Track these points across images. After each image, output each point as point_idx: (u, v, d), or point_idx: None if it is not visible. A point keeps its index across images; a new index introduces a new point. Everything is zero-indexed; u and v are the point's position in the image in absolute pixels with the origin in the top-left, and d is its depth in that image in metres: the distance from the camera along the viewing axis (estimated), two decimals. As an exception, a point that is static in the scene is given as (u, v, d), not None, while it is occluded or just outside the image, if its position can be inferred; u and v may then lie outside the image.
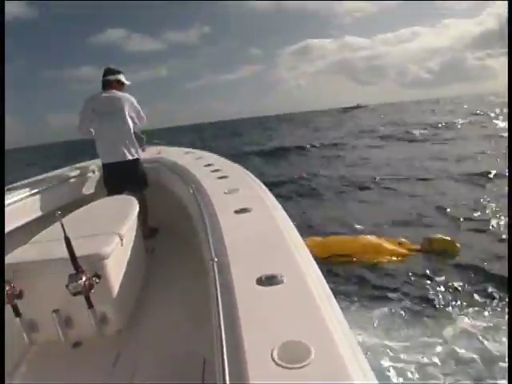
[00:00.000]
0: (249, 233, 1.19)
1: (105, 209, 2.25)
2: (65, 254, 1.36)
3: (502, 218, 5.45)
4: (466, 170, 9.05)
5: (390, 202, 7.33)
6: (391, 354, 2.84)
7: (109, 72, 3.08)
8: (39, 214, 2.49)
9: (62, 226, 1.34)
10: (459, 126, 21.59)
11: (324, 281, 0.93)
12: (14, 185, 2.76)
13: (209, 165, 2.46)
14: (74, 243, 1.36)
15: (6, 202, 2.26)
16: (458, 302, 3.51)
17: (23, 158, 43.41)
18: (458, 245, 4.57)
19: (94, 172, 3.29)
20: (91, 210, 2.20)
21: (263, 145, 20.44)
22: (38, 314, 1.49)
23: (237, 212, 1.38)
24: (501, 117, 23.75)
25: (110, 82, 3.05)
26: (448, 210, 6.19)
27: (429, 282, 3.95)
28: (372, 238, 4.66)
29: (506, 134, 13.04)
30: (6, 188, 2.65)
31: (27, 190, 2.52)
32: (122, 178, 2.99)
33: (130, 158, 3.01)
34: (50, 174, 3.22)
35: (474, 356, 2.76)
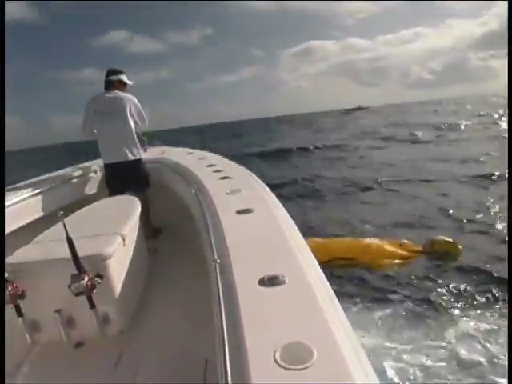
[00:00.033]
0: (251, 233, 1.19)
1: (107, 209, 2.26)
2: (67, 254, 1.36)
3: (505, 219, 5.43)
4: (470, 172, 9.03)
5: (392, 204, 7.32)
6: (393, 355, 2.84)
7: (111, 72, 3.09)
8: (41, 214, 2.49)
9: (65, 226, 1.34)
10: (462, 127, 21.51)
11: (326, 282, 0.93)
12: (17, 185, 2.77)
13: (211, 165, 2.46)
14: (76, 243, 1.36)
15: (9, 202, 2.26)
16: (461, 305, 3.50)
17: (24, 159, 43.56)
18: (459, 246, 4.56)
19: (96, 172, 3.30)
20: (93, 211, 2.21)
21: (264, 146, 20.43)
22: (41, 314, 1.50)
23: (239, 212, 1.38)
24: (504, 118, 23.64)
25: (112, 83, 3.06)
26: (451, 211, 6.18)
27: (431, 284, 3.94)
28: (373, 241, 4.64)
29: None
30: (8, 188, 2.66)
31: (30, 190, 2.53)
32: (124, 178, 2.99)
33: (132, 158, 3.02)
34: (52, 174, 3.23)
35: (476, 358, 2.75)
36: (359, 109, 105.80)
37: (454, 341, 2.97)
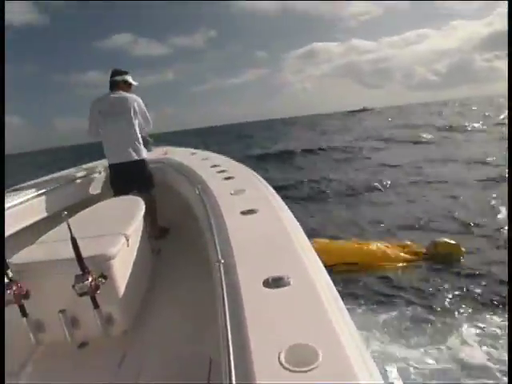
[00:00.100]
0: (255, 234, 1.18)
1: (111, 209, 2.26)
2: (71, 254, 1.36)
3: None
4: (476, 174, 8.98)
5: (397, 206, 7.29)
6: (397, 357, 2.82)
7: (116, 73, 3.08)
8: (46, 214, 2.50)
9: (69, 226, 1.34)
10: (469, 129, 21.37)
11: (331, 283, 0.92)
12: (21, 185, 2.78)
13: (215, 165, 2.46)
14: (80, 244, 1.37)
15: (13, 202, 2.27)
16: (465, 308, 3.49)
17: (29, 161, 43.85)
18: (463, 248, 4.57)
19: (100, 173, 3.30)
20: (97, 211, 2.21)
21: (268, 148, 20.42)
22: (45, 314, 1.50)
23: (243, 213, 1.37)
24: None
25: (117, 83, 3.05)
26: (456, 213, 6.15)
27: (435, 287, 3.93)
28: (376, 244, 4.63)
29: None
30: (12, 189, 2.67)
31: (34, 190, 2.54)
32: (129, 178, 2.99)
33: (136, 158, 3.01)
34: (56, 175, 3.24)
35: (480, 362, 2.72)
36: (364, 110, 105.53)
37: (457, 344, 2.96)
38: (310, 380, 0.58)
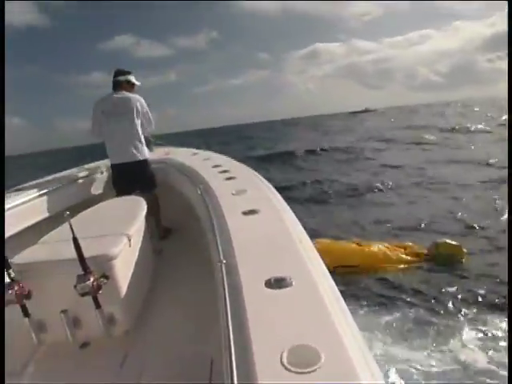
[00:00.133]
0: (257, 234, 1.18)
1: (113, 209, 2.26)
2: (73, 254, 1.36)
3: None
4: (478, 175, 8.94)
5: (400, 207, 7.27)
6: (397, 360, 2.81)
7: (119, 73, 3.08)
8: (48, 214, 2.50)
9: (71, 226, 1.34)
10: (471, 130, 21.28)
11: (334, 284, 0.92)
12: (23, 185, 2.79)
13: (217, 166, 2.46)
14: (82, 244, 1.36)
15: (15, 202, 2.28)
16: (466, 310, 3.47)
17: (31, 162, 43.92)
18: (464, 249, 4.56)
19: (102, 173, 3.31)
20: (99, 211, 2.21)
21: (269, 149, 20.40)
22: (47, 314, 1.50)
23: (245, 213, 1.37)
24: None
25: (120, 83, 3.05)
26: (459, 215, 6.12)
27: (436, 289, 3.92)
28: (378, 246, 4.62)
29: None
30: (15, 189, 2.68)
31: (36, 190, 2.54)
32: (131, 178, 3.00)
33: (139, 158, 3.02)
34: (58, 175, 3.24)
35: (481, 366, 2.71)
36: (366, 111, 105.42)
37: (459, 347, 2.95)
38: (312, 381, 0.57)
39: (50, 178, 3.14)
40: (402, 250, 4.64)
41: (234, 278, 0.91)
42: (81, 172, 3.20)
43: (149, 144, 3.29)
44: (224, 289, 0.88)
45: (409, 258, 4.54)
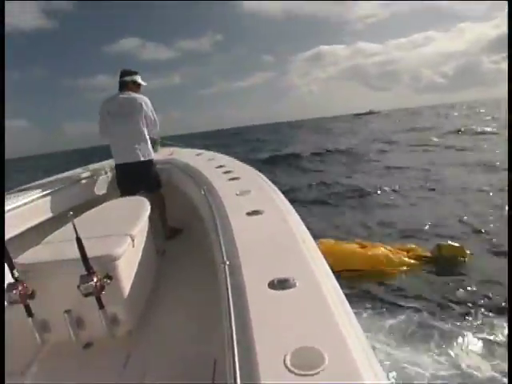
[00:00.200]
0: (261, 235, 1.18)
1: (116, 210, 2.26)
2: (76, 254, 1.36)
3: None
4: (483, 178, 8.87)
5: (404, 209, 7.23)
6: (400, 363, 2.79)
7: (125, 73, 3.08)
8: (52, 214, 2.52)
9: (74, 226, 1.35)
10: (477, 131, 21.13)
11: (337, 285, 0.91)
12: (27, 186, 2.81)
13: (221, 166, 2.46)
14: (85, 244, 1.37)
15: (19, 203, 2.29)
16: (470, 314, 3.42)
17: (36, 165, 44.21)
18: (467, 251, 4.55)
19: (106, 173, 3.32)
20: (103, 211, 2.21)
21: (275, 151, 20.40)
22: (50, 314, 1.50)
23: (249, 214, 1.37)
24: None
25: (126, 84, 3.05)
26: (464, 218, 6.07)
27: (438, 292, 3.89)
28: (381, 249, 4.59)
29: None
30: (18, 189, 2.70)
31: (40, 190, 2.56)
32: (136, 178, 3.00)
33: (143, 159, 3.02)
34: (62, 175, 3.26)
35: (483, 373, 2.67)
36: (370, 113, 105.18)
37: (462, 351, 2.92)
38: (315, 382, 0.57)
39: (53, 178, 3.16)
40: (405, 253, 4.63)
41: (238, 278, 0.91)
42: (84, 172, 3.21)
43: (154, 144, 3.30)
44: (227, 289, 0.87)
45: (412, 260, 4.53)
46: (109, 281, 1.43)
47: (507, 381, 2.44)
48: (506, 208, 6.02)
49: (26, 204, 2.34)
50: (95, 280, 1.36)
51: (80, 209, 2.18)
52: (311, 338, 0.66)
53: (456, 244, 4.65)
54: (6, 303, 1.39)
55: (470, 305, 3.57)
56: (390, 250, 4.58)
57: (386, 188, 8.88)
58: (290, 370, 0.59)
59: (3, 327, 1.20)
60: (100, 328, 1.47)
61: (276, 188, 1.81)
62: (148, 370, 1.43)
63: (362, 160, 14.71)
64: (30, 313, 1.44)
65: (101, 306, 1.43)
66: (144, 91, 3.20)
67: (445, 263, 4.42)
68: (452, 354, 2.89)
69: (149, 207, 2.14)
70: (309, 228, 1.29)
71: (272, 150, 21.10)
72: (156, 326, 1.73)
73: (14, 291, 1.36)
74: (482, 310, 3.47)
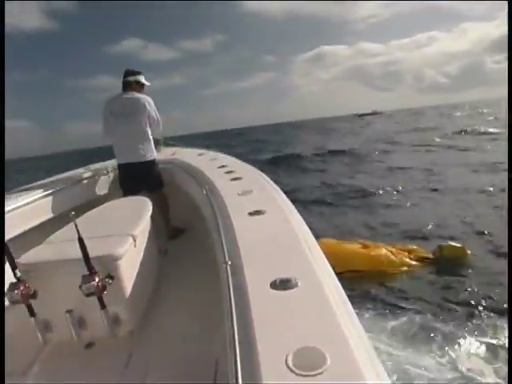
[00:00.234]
0: (263, 235, 1.17)
1: (118, 210, 2.26)
2: (78, 254, 1.36)
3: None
4: (486, 179, 8.82)
5: (406, 210, 7.21)
6: (401, 364, 2.77)
7: (128, 73, 3.08)
8: (53, 214, 2.52)
9: (76, 226, 1.35)
10: (480, 132, 21.04)
11: (339, 285, 0.91)
12: (29, 186, 2.81)
13: (223, 166, 2.46)
14: (87, 244, 1.37)
15: (21, 202, 2.29)
16: (472, 316, 3.40)
17: (38, 165, 44.31)
18: (468, 251, 4.54)
19: (108, 173, 3.33)
20: (105, 211, 2.22)
21: (276, 151, 20.38)
22: (52, 314, 1.50)
23: (250, 214, 1.36)
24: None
25: (129, 84, 3.05)
26: (467, 219, 6.04)
27: (440, 293, 3.87)
28: (382, 250, 4.58)
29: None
30: (20, 189, 2.70)
31: (42, 190, 2.56)
32: (138, 178, 3.00)
33: (146, 159, 3.02)
34: (64, 175, 3.27)
35: (485, 378, 2.66)
36: (373, 114, 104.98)
37: (463, 354, 2.90)
38: (317, 382, 0.56)
39: (55, 178, 3.17)
40: (407, 254, 4.63)
41: (239, 278, 0.91)
42: (86, 172, 3.22)
43: (156, 145, 3.30)
44: (229, 289, 0.87)
45: (413, 261, 4.52)
46: (110, 281, 1.43)
47: (507, 381, 2.43)
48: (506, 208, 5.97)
49: (27, 204, 2.34)
50: (97, 280, 1.36)
51: (82, 209, 2.18)
52: (313, 338, 0.66)
53: (457, 244, 4.65)
54: (8, 303, 1.39)
55: (471, 306, 3.56)
56: (392, 251, 4.57)
57: (389, 188, 8.85)
58: (291, 371, 0.59)
59: (3, 327, 1.20)
60: (102, 328, 1.47)
61: (278, 188, 1.81)
62: (150, 370, 1.43)
63: (365, 160, 14.67)
64: (32, 313, 1.44)
65: (102, 305, 1.43)
66: (146, 91, 3.20)
67: (446, 264, 4.41)
68: (454, 356, 2.87)
69: (151, 207, 2.15)
70: (311, 228, 1.28)
71: (274, 151, 21.08)
72: (158, 326, 1.73)
73: (16, 291, 1.36)
74: (485, 311, 3.45)
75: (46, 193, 2.56)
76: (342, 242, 4.87)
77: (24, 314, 1.43)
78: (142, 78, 3.12)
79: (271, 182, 1.93)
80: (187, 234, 3.06)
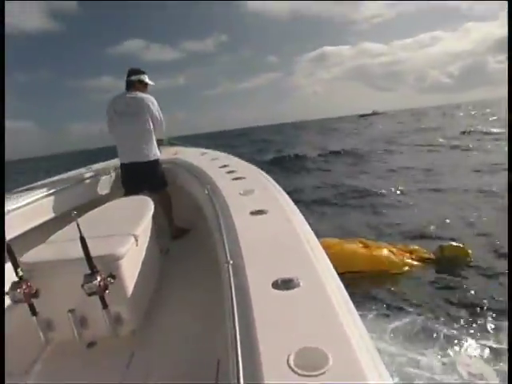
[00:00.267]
0: (264, 235, 1.17)
1: (120, 209, 2.27)
2: (80, 254, 1.36)
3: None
4: (489, 179, 8.78)
5: (409, 210, 7.18)
6: (403, 366, 2.76)
7: (132, 72, 3.07)
8: (55, 214, 2.53)
9: (78, 226, 1.35)
10: (482, 132, 20.95)
11: (342, 285, 0.90)
12: (30, 185, 2.82)
13: (224, 166, 2.46)
14: (89, 243, 1.37)
15: (23, 202, 2.30)
16: (474, 317, 3.38)
17: (39, 166, 44.44)
18: (469, 251, 4.53)
19: (109, 172, 3.33)
20: (107, 211, 2.22)
21: (279, 152, 20.37)
22: (54, 313, 1.51)
23: (252, 213, 1.36)
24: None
25: (133, 83, 3.05)
26: (469, 221, 6.01)
27: (441, 293, 3.86)
28: (383, 250, 4.57)
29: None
30: (22, 188, 2.71)
31: (44, 190, 2.57)
32: (140, 178, 3.00)
33: (149, 158, 3.02)
34: (66, 175, 3.27)
35: (483, 377, 2.64)
36: (375, 114, 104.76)
37: (464, 355, 2.88)
38: (319, 382, 0.56)
39: (57, 178, 3.18)
40: (408, 254, 4.62)
41: (241, 278, 0.90)
42: (88, 172, 3.23)
43: (159, 145, 3.30)
44: (231, 289, 0.87)
45: (414, 262, 4.51)
46: (112, 280, 1.43)
47: (507, 381, 2.41)
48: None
49: (29, 203, 2.35)
50: (99, 279, 1.36)
51: (84, 208, 2.19)
52: (315, 339, 0.66)
53: (458, 244, 4.63)
54: (10, 302, 1.40)
55: (473, 306, 3.54)
56: (393, 251, 4.56)
57: (391, 188, 8.83)
58: (293, 371, 0.59)
59: (3, 327, 1.20)
60: (103, 327, 1.47)
61: (280, 188, 1.80)
62: (151, 370, 1.43)
63: (367, 161, 14.65)
64: (34, 312, 1.45)
65: (104, 305, 1.43)
66: (149, 91, 3.20)
67: (447, 264, 4.40)
68: (455, 356, 2.86)
69: (152, 206, 2.15)
70: (313, 228, 1.28)
71: (277, 151, 21.06)
72: (159, 326, 1.73)
73: (19, 290, 1.37)
74: (486, 311, 3.43)
75: (48, 192, 2.57)
76: (343, 241, 4.87)
77: (26, 313, 1.44)
78: (145, 78, 3.11)
79: (273, 182, 1.93)
80: (189, 233, 3.06)
